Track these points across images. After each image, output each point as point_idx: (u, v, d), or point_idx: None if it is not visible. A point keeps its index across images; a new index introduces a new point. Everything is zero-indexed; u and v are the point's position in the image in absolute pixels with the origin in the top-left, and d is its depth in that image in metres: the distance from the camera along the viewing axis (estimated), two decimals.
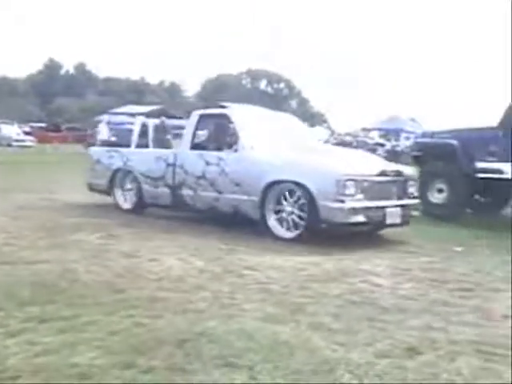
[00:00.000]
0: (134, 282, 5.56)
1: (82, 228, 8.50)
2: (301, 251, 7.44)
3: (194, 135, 9.86)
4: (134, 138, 11.38)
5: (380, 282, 5.99)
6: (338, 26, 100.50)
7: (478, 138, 11.11)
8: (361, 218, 8.01)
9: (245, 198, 8.70)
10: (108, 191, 10.93)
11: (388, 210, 8.27)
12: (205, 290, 5.37)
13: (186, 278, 5.80)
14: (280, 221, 8.36)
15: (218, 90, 67.91)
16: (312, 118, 63.49)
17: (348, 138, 39.58)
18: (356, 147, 36.44)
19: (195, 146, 9.70)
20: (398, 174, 8.65)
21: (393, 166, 9.14)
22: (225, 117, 9.59)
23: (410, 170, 10.14)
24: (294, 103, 72.43)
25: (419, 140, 13.15)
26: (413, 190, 8.87)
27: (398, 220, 8.44)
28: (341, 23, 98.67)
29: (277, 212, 8.39)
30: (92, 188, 11.33)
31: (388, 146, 36.17)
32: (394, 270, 6.62)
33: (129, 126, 18.31)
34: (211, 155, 9.27)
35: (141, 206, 10.42)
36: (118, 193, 10.78)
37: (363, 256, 7.30)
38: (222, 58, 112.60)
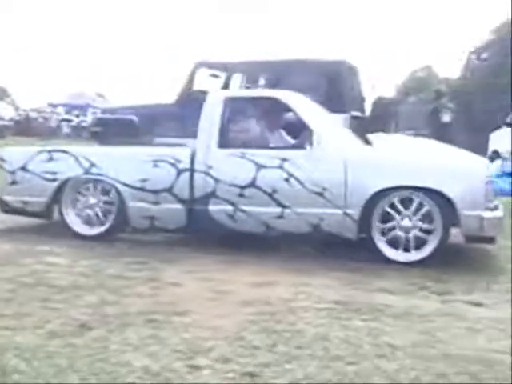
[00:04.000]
0: None
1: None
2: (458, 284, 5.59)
3: (224, 127, 7.03)
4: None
5: None
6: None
7: (156, 114, 11.46)
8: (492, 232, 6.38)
9: (331, 211, 6.48)
10: (45, 213, 7.46)
11: None
12: None
13: None
14: (393, 240, 6.38)
15: None
16: None
17: (33, 114, 38.11)
18: (43, 124, 35.55)
19: (226, 143, 6.97)
20: None
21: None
22: (275, 102, 7.20)
23: None
24: None
25: (99, 116, 13.19)
26: None
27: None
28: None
29: (388, 229, 6.39)
30: (8, 208, 7.67)
31: (75, 121, 35.70)
32: None
33: None
34: (265, 155, 6.74)
35: (117, 231, 7.32)
36: (71, 214, 7.32)
37: None
38: None
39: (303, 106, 7.15)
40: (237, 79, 11.98)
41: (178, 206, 6.90)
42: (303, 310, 4.67)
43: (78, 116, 37.41)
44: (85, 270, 5.82)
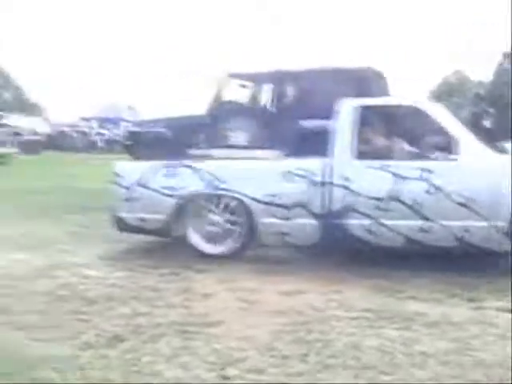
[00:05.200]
0: None
1: None
2: None
3: (359, 137, 6.68)
4: None
5: None
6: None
7: (188, 126, 11.55)
8: None
9: (478, 223, 6.13)
10: (164, 231, 7.00)
11: None
12: None
13: None
14: None
15: None
16: (30, 110, 60.96)
17: (66, 129, 38.60)
18: (77, 138, 35.95)
19: (362, 154, 6.61)
20: None
21: None
22: (413, 110, 6.90)
23: None
24: (8, 94, 68.94)
25: (131, 129, 13.33)
26: None
27: None
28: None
29: None
30: (125, 226, 7.15)
31: (108, 135, 36.08)
32: None
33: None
34: (406, 166, 6.42)
35: (246, 248, 6.84)
36: (193, 232, 6.84)
37: None
38: None
39: (443, 115, 6.76)
40: (266, 89, 12.03)
41: (312, 220, 6.52)
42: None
43: (108, 129, 37.81)
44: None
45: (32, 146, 29.91)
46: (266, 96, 12.10)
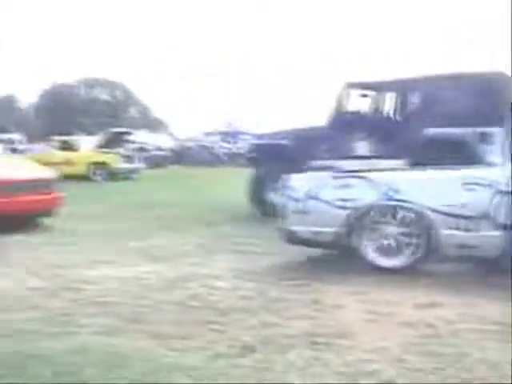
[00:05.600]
0: None
1: None
2: None
3: None
4: None
5: None
6: (176, 33, 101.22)
7: (310, 137, 11.54)
8: None
9: None
10: (335, 243, 6.84)
11: None
12: None
13: None
14: None
15: (56, 100, 65.85)
16: (154, 125, 63.14)
17: (190, 143, 39.73)
18: (199, 152, 36.91)
19: None
20: None
21: None
22: None
23: None
24: (134, 111, 71.64)
25: (254, 142, 13.46)
26: None
27: None
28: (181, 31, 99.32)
29: None
30: (295, 238, 7.07)
31: (229, 148, 36.78)
32: None
33: None
34: None
35: (423, 262, 6.58)
36: (366, 244, 6.64)
37: None
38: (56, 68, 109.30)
39: None
40: (389, 98, 11.84)
41: (496, 232, 6.17)
42: None
43: (231, 143, 38.53)
44: None
45: (158, 161, 30.93)
46: (388, 105, 11.91)
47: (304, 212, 6.84)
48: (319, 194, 6.80)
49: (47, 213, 10.59)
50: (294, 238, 7.02)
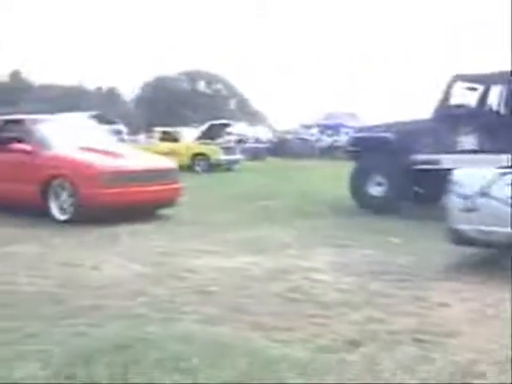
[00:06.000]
0: None
1: None
2: None
3: None
4: None
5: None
6: (271, 24, 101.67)
7: (413, 131, 11.30)
8: None
9: None
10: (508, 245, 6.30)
11: None
12: None
13: None
14: None
15: (157, 93, 67.27)
16: (253, 118, 63.58)
17: (288, 136, 39.77)
18: (297, 144, 36.87)
19: None
20: None
21: None
22: None
23: None
24: (233, 103, 72.41)
25: (356, 135, 13.29)
26: None
27: None
28: (273, 20, 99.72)
29: None
30: (461, 238, 6.62)
31: (328, 141, 36.53)
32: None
33: None
34: None
35: None
36: None
37: None
38: (159, 61, 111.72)
39: None
40: (496, 91, 11.42)
41: None
42: None
43: (329, 135, 38.28)
44: None
45: (256, 153, 31.10)
46: (494, 98, 11.49)
47: (473, 210, 6.41)
48: (491, 191, 6.32)
49: (169, 203, 10.72)
50: (459, 238, 6.58)
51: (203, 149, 23.41)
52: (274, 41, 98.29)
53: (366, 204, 11.36)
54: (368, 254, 7.34)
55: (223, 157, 23.49)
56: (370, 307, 5.10)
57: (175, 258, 7.04)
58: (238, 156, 24.87)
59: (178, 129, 26.87)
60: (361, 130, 13.82)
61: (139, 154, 12.18)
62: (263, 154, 32.06)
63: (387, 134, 11.45)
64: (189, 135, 25.26)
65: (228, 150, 24.46)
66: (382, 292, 5.60)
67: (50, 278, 6.07)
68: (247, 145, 32.36)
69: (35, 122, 11.24)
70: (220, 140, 25.38)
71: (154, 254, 7.31)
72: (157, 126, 28.63)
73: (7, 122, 11.73)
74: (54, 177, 9.93)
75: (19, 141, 10.69)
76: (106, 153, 10.45)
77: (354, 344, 4.20)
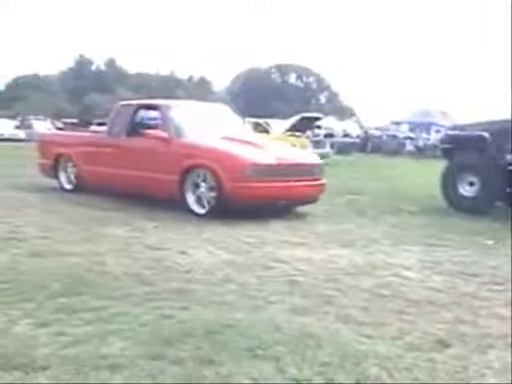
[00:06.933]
0: None
1: None
2: None
3: None
4: None
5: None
6: (364, 19, 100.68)
7: (510, 130, 10.96)
8: None
9: None
10: None
11: None
12: None
13: None
14: None
15: (248, 85, 67.73)
16: (342, 112, 63.19)
17: (377, 132, 39.42)
18: (386, 141, 36.42)
19: None
20: None
21: None
22: None
23: None
24: (323, 97, 72.16)
25: (450, 132, 12.99)
26: None
27: None
28: (366, 16, 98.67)
29: None
30: None
31: (418, 139, 35.96)
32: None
33: None
34: None
35: None
36: None
37: None
38: (251, 53, 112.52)
39: None
40: None
41: None
42: None
43: (420, 133, 37.73)
44: None
45: (344, 148, 30.95)
46: None
47: None
48: None
49: (313, 200, 10.07)
50: None
51: (293, 141, 23.43)
52: (368, 35, 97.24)
53: (456, 203, 11.11)
54: (459, 254, 7.15)
55: (312, 150, 23.44)
56: (460, 308, 4.98)
57: (261, 248, 7.08)
58: (327, 149, 24.77)
59: (268, 120, 27.00)
60: (454, 127, 13.49)
61: (283, 146, 11.76)
62: (350, 149, 31.88)
63: (483, 133, 11.15)
64: (278, 127, 25.33)
65: (317, 143, 24.44)
66: (473, 293, 5.46)
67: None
68: (335, 139, 32.23)
69: (170, 107, 10.79)
70: (309, 133, 25.35)
71: (243, 243, 7.37)
72: (247, 116, 28.85)
73: (140, 106, 11.44)
74: (195, 167, 9.37)
75: (153, 127, 10.41)
76: (249, 143, 9.86)
77: (443, 344, 4.10)
